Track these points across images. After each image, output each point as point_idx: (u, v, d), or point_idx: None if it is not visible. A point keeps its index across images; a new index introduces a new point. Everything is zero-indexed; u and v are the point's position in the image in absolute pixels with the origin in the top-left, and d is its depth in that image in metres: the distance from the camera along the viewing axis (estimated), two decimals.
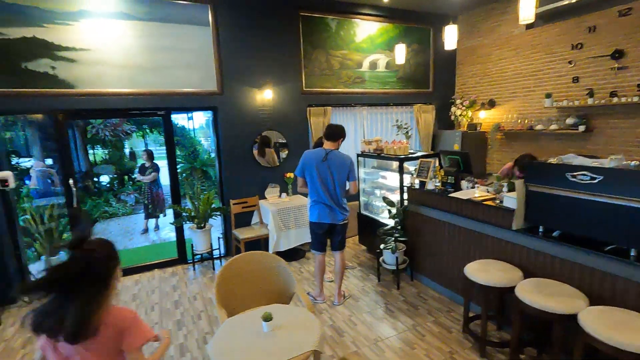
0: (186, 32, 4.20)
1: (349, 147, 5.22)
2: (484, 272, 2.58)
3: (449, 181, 3.48)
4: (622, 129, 4.05)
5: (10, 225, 3.73)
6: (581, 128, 4.24)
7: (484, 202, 2.91)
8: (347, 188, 3.28)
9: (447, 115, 5.98)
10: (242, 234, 4.40)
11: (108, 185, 8.82)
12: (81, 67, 3.78)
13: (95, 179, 8.79)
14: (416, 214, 3.71)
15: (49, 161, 8.24)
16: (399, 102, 5.66)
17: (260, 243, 4.65)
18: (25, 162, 8.08)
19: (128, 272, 4.35)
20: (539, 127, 4.68)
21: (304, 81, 4.91)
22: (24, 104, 3.63)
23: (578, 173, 2.23)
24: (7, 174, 3.53)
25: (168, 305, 3.58)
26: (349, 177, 3.21)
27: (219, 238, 4.73)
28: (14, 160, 7.40)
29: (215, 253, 4.62)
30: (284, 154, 4.89)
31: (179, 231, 4.57)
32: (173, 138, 4.46)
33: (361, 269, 4.24)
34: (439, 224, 3.44)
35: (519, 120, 4.98)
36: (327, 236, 3.37)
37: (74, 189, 3.98)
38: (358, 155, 4.69)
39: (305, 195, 4.39)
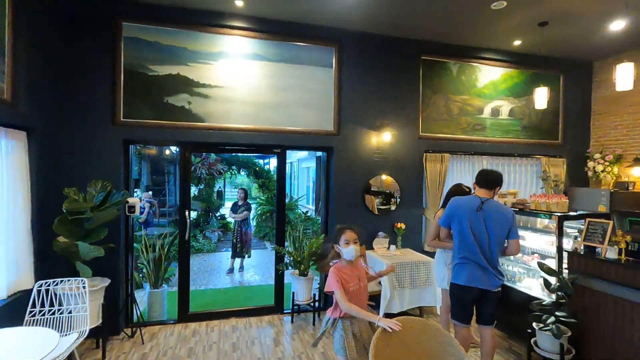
0: (310, 73, 4.20)
1: None
2: None
3: (638, 250, 2.70)
4: None
5: (127, 254, 3.72)
6: None
7: None
8: (505, 246, 2.67)
9: (581, 171, 5.12)
10: None
11: (194, 222, 9.09)
12: (213, 102, 3.91)
13: None
14: (585, 288, 2.90)
15: (149, 193, 8.85)
16: (524, 153, 4.99)
17: None
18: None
19: (224, 315, 4.05)
20: None
21: (420, 126, 4.57)
22: (160, 134, 3.78)
23: None
24: (135, 201, 3.57)
25: None
26: (510, 233, 2.61)
27: (317, 289, 4.28)
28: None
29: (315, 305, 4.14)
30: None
31: (280, 277, 4.23)
32: (285, 175, 4.32)
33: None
34: (630, 306, 2.60)
35: None
36: (474, 305, 2.72)
37: (189, 220, 3.93)
38: None
39: (432, 252, 3.86)
